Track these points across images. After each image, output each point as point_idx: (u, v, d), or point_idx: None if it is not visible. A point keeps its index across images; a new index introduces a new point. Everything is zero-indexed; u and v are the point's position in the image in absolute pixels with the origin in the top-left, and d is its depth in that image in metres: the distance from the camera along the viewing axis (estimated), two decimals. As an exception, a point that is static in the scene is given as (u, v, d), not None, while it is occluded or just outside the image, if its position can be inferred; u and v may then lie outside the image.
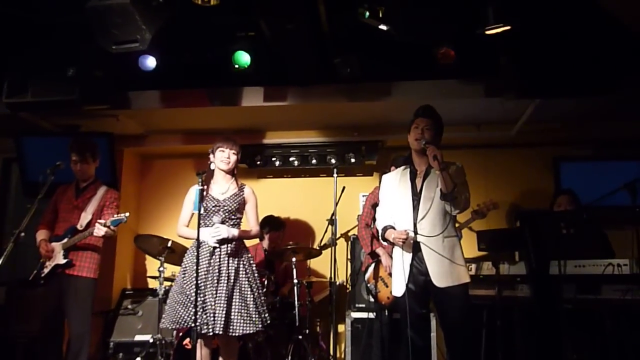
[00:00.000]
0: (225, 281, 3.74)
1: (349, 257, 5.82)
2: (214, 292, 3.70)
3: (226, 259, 3.80)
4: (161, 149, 6.47)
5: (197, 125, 5.95)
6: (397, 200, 3.56)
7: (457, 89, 5.07)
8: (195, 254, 3.76)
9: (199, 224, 3.65)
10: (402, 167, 3.69)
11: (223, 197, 3.94)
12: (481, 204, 4.71)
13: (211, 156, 4.01)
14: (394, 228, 3.52)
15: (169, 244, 4.99)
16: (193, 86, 5.23)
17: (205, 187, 3.89)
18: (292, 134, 6.21)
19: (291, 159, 6.20)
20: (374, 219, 4.78)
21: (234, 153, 4.00)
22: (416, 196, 3.48)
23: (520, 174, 6.09)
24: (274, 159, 6.22)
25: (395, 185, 3.61)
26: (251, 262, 3.96)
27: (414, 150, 3.58)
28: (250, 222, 4.07)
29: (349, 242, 5.79)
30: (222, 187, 3.99)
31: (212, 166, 3.99)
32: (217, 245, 3.79)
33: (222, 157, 3.96)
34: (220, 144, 3.99)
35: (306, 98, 5.23)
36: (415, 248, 3.41)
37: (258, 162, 6.23)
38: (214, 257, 3.78)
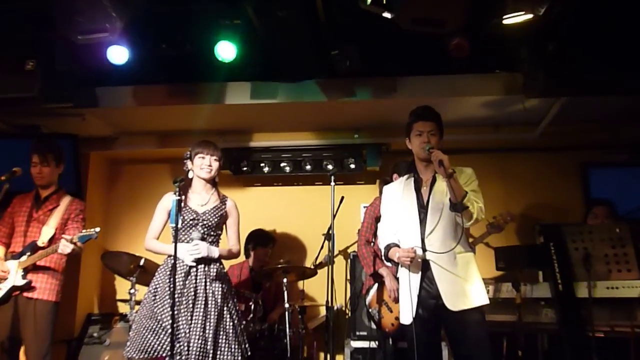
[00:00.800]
0: (202, 306, 3.71)
1: (348, 277, 5.81)
2: (189, 317, 3.66)
3: (203, 280, 3.77)
4: (133, 153, 6.46)
5: (175, 125, 5.96)
6: (401, 213, 3.56)
7: (472, 86, 5.10)
8: (169, 273, 3.74)
9: (175, 239, 3.64)
10: (405, 176, 3.69)
11: (203, 210, 3.93)
12: (498, 215, 4.72)
13: (188, 163, 4.00)
14: (398, 246, 3.52)
15: (142, 263, 4.97)
16: (170, 82, 5.24)
17: (183, 197, 3.88)
18: (284, 135, 6.22)
19: (282, 164, 6.21)
20: (375, 234, 4.77)
21: (215, 159, 3.99)
22: (423, 208, 3.48)
23: (543, 182, 6.13)
24: (262, 164, 6.23)
25: (398, 197, 3.61)
26: (231, 287, 3.95)
27: (418, 157, 3.59)
28: (230, 239, 4.06)
29: (349, 261, 5.79)
30: (202, 197, 3.97)
31: (190, 174, 3.98)
32: (194, 264, 3.77)
33: (202, 165, 3.95)
34: (199, 149, 3.97)
35: (299, 95, 5.25)
36: (424, 267, 3.41)
37: (244, 168, 6.24)
38: (189, 277, 3.76)
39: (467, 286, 3.36)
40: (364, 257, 4.77)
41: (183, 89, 5.29)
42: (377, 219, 4.76)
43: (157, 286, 3.82)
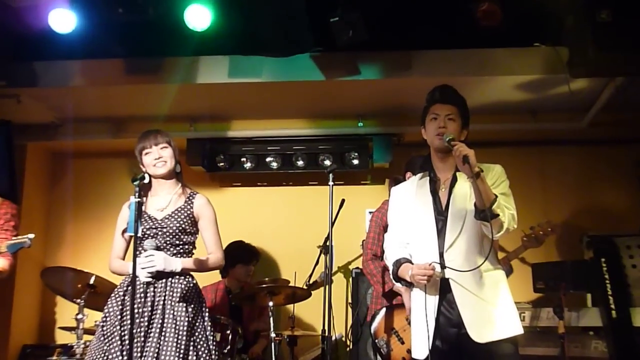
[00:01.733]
0: (156, 336, 3.67)
1: (349, 300, 5.80)
2: (140, 350, 3.65)
3: (161, 301, 3.76)
4: (81, 144, 6.45)
5: (134, 110, 5.96)
6: (413, 221, 3.55)
7: (505, 62, 5.11)
8: (121, 296, 3.75)
9: (134, 251, 3.63)
10: (419, 175, 3.69)
11: (162, 215, 3.92)
12: (536, 225, 4.73)
13: (142, 166, 4.01)
14: (410, 261, 3.52)
15: (92, 281, 4.95)
16: (128, 55, 5.23)
17: (145, 198, 3.88)
18: (270, 123, 6.23)
19: (268, 159, 6.21)
20: (382, 247, 4.79)
21: (164, 147, 3.98)
22: (441, 215, 3.47)
23: (592, 183, 6.16)
24: (243, 159, 6.23)
25: (410, 201, 3.60)
26: (203, 309, 3.93)
27: (434, 150, 3.59)
28: (207, 245, 4.04)
29: (350, 279, 5.78)
30: (161, 200, 3.97)
31: (146, 177, 3.97)
32: (150, 279, 3.76)
33: (151, 160, 3.95)
34: (140, 144, 3.96)
35: (290, 73, 5.25)
36: (442, 288, 3.40)
37: (220, 164, 6.24)
38: (146, 299, 3.76)
39: (496, 312, 3.35)
40: (372, 274, 4.77)
41: (144, 64, 5.29)
42: (386, 229, 4.77)
43: (109, 311, 3.81)
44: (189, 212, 3.97)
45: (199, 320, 3.86)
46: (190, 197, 4.03)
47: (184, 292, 3.85)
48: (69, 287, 5.02)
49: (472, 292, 3.36)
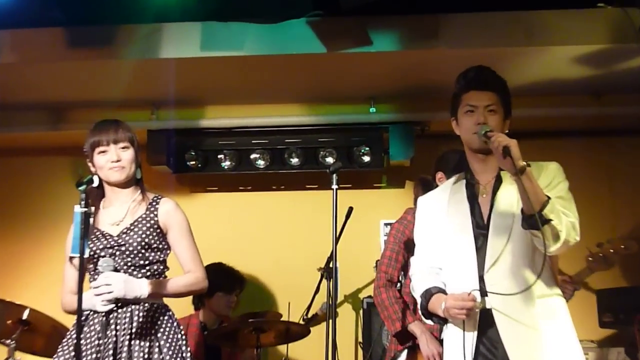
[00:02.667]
0: None
1: (359, 339, 5.81)
2: None
3: (128, 337, 3.77)
4: (10, 138, 6.47)
5: (78, 94, 5.97)
6: (447, 239, 3.55)
7: (559, 28, 5.10)
8: (87, 329, 3.74)
9: (79, 278, 3.62)
10: (453, 179, 3.68)
11: (118, 230, 3.92)
12: (605, 242, 4.71)
13: (90, 165, 3.99)
14: (443, 291, 3.52)
15: (25, 315, 4.96)
16: (70, 23, 5.22)
17: (93, 209, 3.87)
18: (255, 109, 6.24)
19: (253, 156, 6.21)
20: (405, 271, 4.77)
21: (125, 146, 3.97)
22: (482, 229, 3.46)
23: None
24: (220, 156, 6.24)
25: (442, 213, 3.60)
26: (181, 341, 3.94)
27: (470, 149, 3.59)
28: (182, 262, 4.02)
29: (361, 312, 5.79)
30: (116, 212, 3.97)
31: (95, 181, 3.96)
32: (111, 308, 3.75)
33: (105, 162, 3.93)
34: (94, 138, 3.94)
35: (281, 44, 5.24)
36: (483, 321, 3.40)
37: (191, 163, 6.25)
38: (108, 333, 3.77)
39: (555, 351, 3.35)
40: (384, 307, 4.76)
41: (91, 34, 5.27)
42: (409, 247, 4.76)
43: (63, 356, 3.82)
44: (152, 221, 3.95)
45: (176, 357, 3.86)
46: (153, 203, 4.01)
47: (156, 327, 3.85)
48: (-4, 323, 5.02)
49: (521, 324, 3.35)
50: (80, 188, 3.61)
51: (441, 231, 3.58)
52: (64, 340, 3.91)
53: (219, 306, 5.62)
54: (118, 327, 3.77)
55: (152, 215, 3.96)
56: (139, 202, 3.99)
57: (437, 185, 4.62)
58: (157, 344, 3.80)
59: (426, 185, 4.71)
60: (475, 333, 3.41)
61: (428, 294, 3.52)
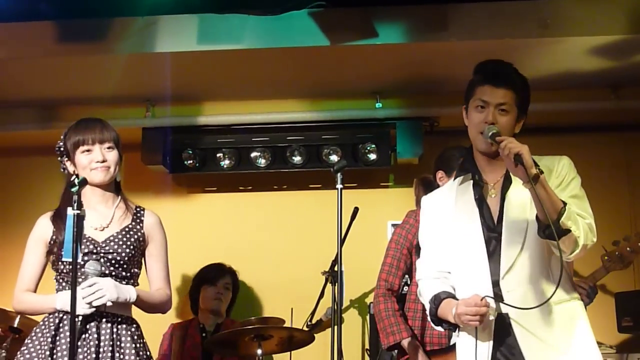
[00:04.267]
0: None
1: (367, 345, 5.79)
2: None
3: (110, 347, 3.78)
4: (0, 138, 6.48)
5: (69, 91, 5.98)
6: (455, 242, 3.54)
7: (575, 18, 5.09)
8: (49, 339, 3.74)
9: (73, 282, 3.62)
10: (459, 179, 3.66)
11: (104, 237, 3.92)
12: (622, 240, 4.70)
13: (67, 164, 3.99)
14: (453, 296, 3.51)
15: (16, 323, 4.97)
16: (61, 17, 5.22)
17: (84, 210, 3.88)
18: (255, 105, 6.24)
19: (253, 154, 6.21)
20: (409, 278, 4.78)
21: (110, 147, 3.97)
22: (493, 231, 3.43)
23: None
24: (219, 154, 6.24)
25: (449, 214, 3.59)
26: (148, 353, 3.97)
27: (478, 148, 3.57)
28: (154, 279, 4.03)
29: (367, 317, 5.79)
30: (100, 216, 3.97)
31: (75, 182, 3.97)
32: (94, 311, 3.75)
33: (89, 162, 3.93)
34: (77, 136, 3.91)
35: (282, 37, 5.24)
36: (498, 329, 3.40)
37: (188, 162, 6.25)
38: (86, 340, 3.77)
39: (574, 358, 3.35)
40: (380, 318, 4.75)
41: (83, 29, 5.27)
42: (412, 252, 4.76)
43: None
44: (139, 233, 3.98)
45: None
46: (138, 214, 4.04)
47: (136, 346, 3.87)
48: (-15, 332, 5.04)
49: (539, 332, 3.34)
50: (73, 190, 3.62)
51: (449, 234, 3.56)
52: (27, 341, 3.91)
53: (208, 299, 5.69)
54: (100, 336, 3.80)
55: (138, 227, 3.99)
56: (124, 211, 4.01)
57: (438, 185, 4.63)
58: (138, 351, 3.84)
59: (428, 185, 4.71)
60: (491, 342, 3.40)
61: (437, 300, 3.51)
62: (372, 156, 6.08)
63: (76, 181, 3.64)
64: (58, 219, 3.90)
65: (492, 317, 3.38)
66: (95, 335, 3.78)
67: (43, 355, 3.76)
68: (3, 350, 4.93)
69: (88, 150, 3.91)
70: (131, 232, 3.94)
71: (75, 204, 3.57)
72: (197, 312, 5.76)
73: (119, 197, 4.04)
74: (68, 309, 3.70)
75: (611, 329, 5.09)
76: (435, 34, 5.19)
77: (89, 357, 3.74)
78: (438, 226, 3.63)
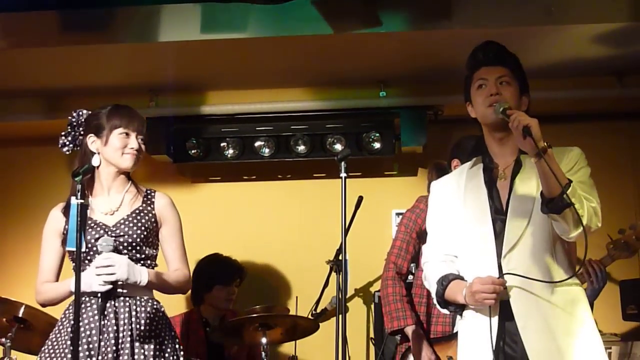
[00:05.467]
0: None
1: (371, 334, 5.81)
2: None
3: (128, 338, 3.81)
4: (3, 128, 6.49)
5: (72, 80, 5.98)
6: (463, 226, 3.56)
7: (580, 5, 5.07)
8: (70, 326, 3.77)
9: (77, 270, 3.64)
10: (469, 163, 3.67)
11: (114, 220, 3.95)
12: (627, 228, 4.71)
13: (89, 140, 4.00)
14: (461, 278, 3.52)
15: (21, 313, 4.98)
16: (64, 6, 5.21)
17: (89, 199, 3.89)
18: (259, 94, 6.24)
19: (257, 143, 6.23)
20: (417, 262, 4.79)
21: (142, 139, 4.01)
22: (500, 214, 3.46)
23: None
24: (223, 144, 6.25)
25: (458, 198, 3.59)
26: (177, 348, 3.98)
27: (489, 129, 3.58)
28: (170, 259, 4.09)
29: (372, 306, 5.81)
30: (110, 200, 4.00)
31: (96, 160, 3.98)
32: (109, 289, 3.76)
33: (125, 146, 3.96)
34: (117, 120, 3.95)
35: (285, 25, 5.22)
36: (503, 312, 3.42)
37: (192, 152, 6.27)
38: (106, 321, 3.79)
39: (574, 345, 3.35)
40: (387, 302, 4.76)
41: (86, 18, 5.26)
42: (421, 237, 4.76)
43: (55, 347, 3.85)
44: (150, 214, 4.00)
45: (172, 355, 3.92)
46: (149, 196, 4.07)
47: (153, 322, 3.89)
48: (-10, 322, 5.05)
49: (539, 314, 3.35)
50: (76, 178, 3.63)
51: (457, 218, 3.57)
52: (55, 330, 3.94)
53: (219, 299, 5.66)
54: (119, 315, 3.83)
55: (149, 208, 4.02)
56: (134, 194, 4.03)
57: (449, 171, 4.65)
58: (153, 343, 3.86)
59: (441, 171, 4.69)
60: (496, 327, 3.42)
61: (446, 280, 3.52)
62: (376, 145, 6.09)
63: (81, 169, 3.67)
64: (69, 210, 3.90)
65: (505, 298, 3.40)
66: (124, 315, 3.83)
67: (65, 345, 3.80)
68: (8, 340, 4.94)
69: (127, 134, 3.95)
70: (142, 214, 3.98)
71: (79, 193, 3.59)
72: (199, 304, 5.76)
73: (129, 182, 4.08)
74: (85, 289, 3.73)
75: (616, 317, 5.11)
76: (439, 22, 5.19)
77: (108, 342, 3.78)
78: (446, 210, 3.64)
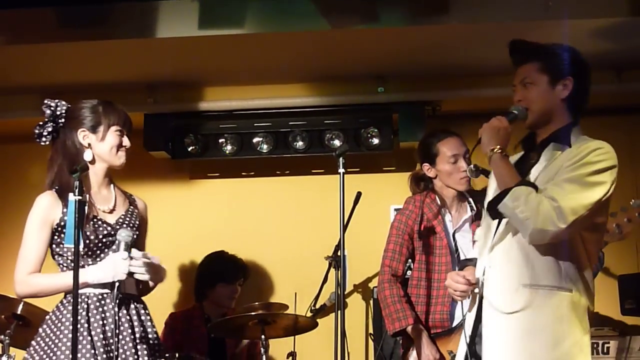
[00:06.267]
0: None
1: (370, 330, 5.81)
2: None
3: (130, 329, 3.88)
4: (1, 125, 6.50)
5: (70, 77, 5.99)
6: (485, 212, 3.62)
7: (574, 1, 5.08)
8: (95, 309, 3.81)
9: (75, 269, 3.64)
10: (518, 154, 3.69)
11: (114, 218, 3.97)
12: (619, 210, 4.64)
13: (87, 137, 3.99)
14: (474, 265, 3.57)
15: (19, 310, 4.98)
16: (62, 2, 5.20)
17: (88, 196, 3.90)
18: (257, 90, 6.25)
19: (255, 139, 6.23)
20: (407, 264, 4.81)
21: (127, 137, 4.06)
22: None
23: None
24: (221, 140, 6.26)
25: (490, 186, 3.66)
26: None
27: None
28: None
29: (371, 302, 5.82)
30: (105, 199, 4.03)
31: (88, 155, 3.99)
32: (123, 277, 3.80)
33: (119, 144, 3.97)
34: (117, 116, 3.99)
35: (283, 21, 5.24)
36: (479, 312, 3.45)
37: (191, 148, 6.27)
38: (125, 315, 3.84)
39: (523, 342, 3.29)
40: (385, 304, 4.77)
41: (84, 14, 5.26)
42: (413, 237, 4.79)
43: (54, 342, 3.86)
44: (138, 217, 4.08)
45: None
46: (131, 199, 4.17)
47: (153, 326, 3.97)
48: (-11, 319, 5.05)
49: (500, 315, 3.34)
50: (74, 175, 3.64)
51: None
52: (44, 329, 3.94)
53: (222, 297, 5.67)
54: (140, 313, 3.92)
55: (136, 211, 4.09)
56: (122, 196, 4.09)
57: (429, 178, 4.84)
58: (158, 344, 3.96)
59: (419, 181, 4.93)
60: (471, 324, 3.46)
61: (462, 265, 3.60)
62: (375, 141, 6.10)
63: (79, 165, 3.67)
64: (67, 195, 3.86)
65: (477, 297, 3.44)
66: (117, 316, 3.85)
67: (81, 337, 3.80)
68: (7, 337, 4.95)
69: (119, 132, 3.97)
70: (133, 215, 4.03)
71: (77, 190, 3.60)
72: (202, 301, 5.78)
73: (111, 182, 4.11)
74: (105, 281, 3.78)
75: (614, 311, 5.11)
76: (437, 17, 5.18)
77: (146, 329, 3.91)
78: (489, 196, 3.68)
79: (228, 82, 6.22)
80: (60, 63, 5.77)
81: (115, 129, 3.98)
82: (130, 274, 3.77)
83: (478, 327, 3.44)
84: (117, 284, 3.76)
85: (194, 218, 6.35)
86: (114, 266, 3.76)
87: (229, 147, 6.25)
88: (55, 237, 3.93)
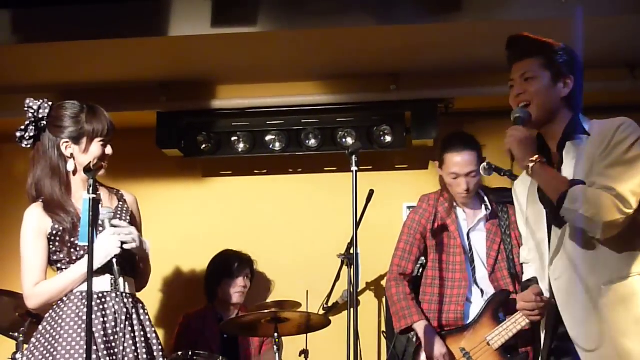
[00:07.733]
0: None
1: (383, 328, 5.82)
2: None
3: (130, 327, 3.90)
4: (13, 123, 6.45)
5: (85, 76, 6.01)
6: (530, 231, 3.60)
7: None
8: (77, 314, 3.82)
9: (90, 268, 3.65)
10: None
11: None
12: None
13: (69, 148, 3.97)
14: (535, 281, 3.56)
15: (33, 308, 5.01)
16: (73, 2, 5.22)
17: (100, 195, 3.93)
18: (270, 89, 6.25)
19: (268, 138, 6.23)
20: (419, 263, 4.82)
21: (110, 145, 4.06)
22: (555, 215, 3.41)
23: None
24: (234, 138, 6.27)
25: (525, 199, 3.64)
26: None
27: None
28: None
29: (384, 300, 5.83)
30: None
31: (70, 165, 3.99)
32: (118, 250, 3.81)
33: (105, 155, 3.99)
34: (100, 124, 3.98)
35: (295, 19, 5.26)
36: (550, 319, 3.46)
37: (203, 147, 6.28)
38: (124, 314, 3.86)
39: (626, 345, 3.19)
40: (392, 302, 4.79)
41: (96, 13, 5.28)
42: (425, 237, 4.80)
43: (54, 343, 3.88)
44: (128, 211, 4.10)
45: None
46: (119, 194, 4.18)
47: (152, 326, 4.05)
48: (3, 316, 5.07)
49: (585, 320, 3.27)
50: (88, 173, 3.67)
51: (527, 222, 3.61)
52: (44, 325, 3.97)
53: (227, 293, 5.71)
54: (137, 308, 3.94)
55: (126, 206, 4.10)
56: (107, 193, 4.10)
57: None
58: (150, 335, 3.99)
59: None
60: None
61: (523, 286, 3.61)
62: (387, 138, 6.09)
63: (93, 165, 3.70)
64: (54, 208, 3.95)
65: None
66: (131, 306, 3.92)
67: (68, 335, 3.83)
68: (21, 335, 4.97)
69: (102, 142, 3.97)
70: (123, 210, 4.05)
71: (91, 188, 3.62)
72: (213, 300, 5.81)
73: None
74: (103, 260, 3.80)
75: None
76: (450, 15, 5.18)
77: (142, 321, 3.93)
78: (521, 215, 3.69)
79: (241, 80, 6.23)
80: (73, 62, 5.79)
81: (99, 140, 3.97)
82: (122, 246, 3.81)
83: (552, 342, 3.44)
84: (114, 260, 3.79)
85: (207, 216, 6.36)
86: (106, 245, 3.79)
87: (241, 145, 6.26)
88: (50, 246, 3.95)
